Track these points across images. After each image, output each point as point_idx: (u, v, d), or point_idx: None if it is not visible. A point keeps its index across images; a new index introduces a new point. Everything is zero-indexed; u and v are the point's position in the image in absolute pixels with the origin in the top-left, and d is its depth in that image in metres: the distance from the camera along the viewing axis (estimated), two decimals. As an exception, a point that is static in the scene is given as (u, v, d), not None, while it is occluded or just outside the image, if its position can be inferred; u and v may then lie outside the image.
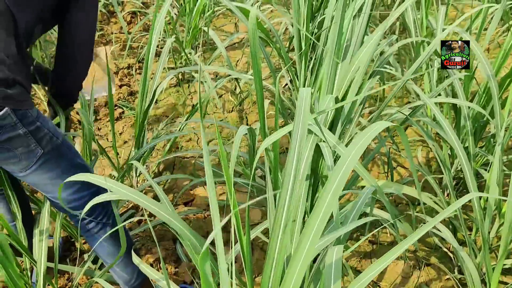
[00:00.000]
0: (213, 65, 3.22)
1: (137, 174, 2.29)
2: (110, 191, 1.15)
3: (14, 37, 1.14)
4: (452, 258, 1.90)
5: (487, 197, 1.70)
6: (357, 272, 1.88)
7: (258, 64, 1.16)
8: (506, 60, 1.92)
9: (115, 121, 2.79)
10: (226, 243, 1.93)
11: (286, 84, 2.91)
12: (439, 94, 2.06)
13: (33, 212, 1.75)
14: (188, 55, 3.13)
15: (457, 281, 1.81)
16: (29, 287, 1.56)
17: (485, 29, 2.44)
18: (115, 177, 2.25)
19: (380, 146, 1.64)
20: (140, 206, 2.17)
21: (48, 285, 1.68)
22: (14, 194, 1.55)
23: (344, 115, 1.57)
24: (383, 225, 1.86)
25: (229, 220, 1.31)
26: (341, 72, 1.60)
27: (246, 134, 1.42)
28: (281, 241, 0.97)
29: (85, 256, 1.90)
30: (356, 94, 1.49)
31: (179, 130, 2.23)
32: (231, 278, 1.02)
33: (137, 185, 2.26)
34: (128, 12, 3.86)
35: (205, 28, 3.07)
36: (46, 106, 1.59)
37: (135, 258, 1.33)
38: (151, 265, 1.91)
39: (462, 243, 1.92)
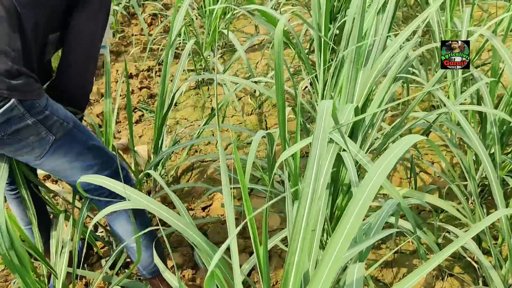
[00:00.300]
0: (233, 67, 3.20)
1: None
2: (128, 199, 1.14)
3: (20, 34, 1.15)
4: (477, 269, 1.84)
5: (514, 207, 1.64)
6: (377, 281, 1.84)
7: (281, 78, 1.13)
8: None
9: (134, 124, 2.79)
10: (244, 250, 1.91)
11: (306, 87, 2.87)
12: (465, 99, 2.00)
13: (50, 216, 1.75)
14: (208, 57, 3.11)
15: (481, 292, 1.75)
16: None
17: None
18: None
19: (403, 154, 1.59)
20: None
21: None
22: (29, 195, 1.55)
23: (365, 122, 1.53)
24: (404, 233, 1.81)
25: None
26: (362, 76, 1.56)
27: (265, 137, 1.40)
28: (298, 256, 0.94)
29: (103, 261, 1.90)
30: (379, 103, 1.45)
31: (197, 135, 2.21)
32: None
33: (156, 190, 2.25)
34: (148, 14, 3.87)
35: (225, 31, 3.05)
36: None
37: (160, 264, 1.35)
38: (169, 269, 1.89)
39: (486, 252, 1.85)
